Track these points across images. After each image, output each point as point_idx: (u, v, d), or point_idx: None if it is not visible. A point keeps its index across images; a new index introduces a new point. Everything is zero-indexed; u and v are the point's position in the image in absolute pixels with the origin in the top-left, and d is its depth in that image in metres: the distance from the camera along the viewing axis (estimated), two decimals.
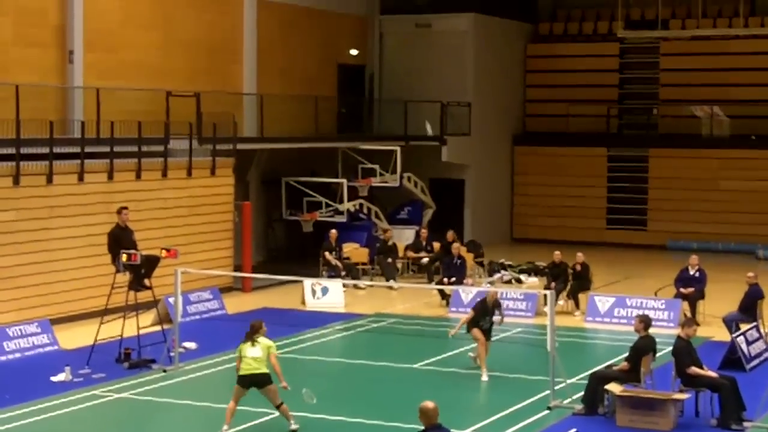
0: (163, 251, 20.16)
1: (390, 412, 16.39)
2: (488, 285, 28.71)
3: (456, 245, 27.99)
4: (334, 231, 30.25)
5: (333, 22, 37.00)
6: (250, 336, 15.50)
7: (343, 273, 29.37)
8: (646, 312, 22.50)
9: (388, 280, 29.43)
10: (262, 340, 15.47)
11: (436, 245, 30.90)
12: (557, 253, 26.41)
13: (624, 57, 41.38)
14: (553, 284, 25.35)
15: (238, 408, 15.39)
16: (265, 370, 15.34)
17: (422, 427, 10.70)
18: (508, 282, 30.68)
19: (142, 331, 19.91)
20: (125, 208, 20.83)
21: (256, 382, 15.38)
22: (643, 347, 16.56)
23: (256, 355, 15.31)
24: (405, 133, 35.92)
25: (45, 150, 23.41)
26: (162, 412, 17.01)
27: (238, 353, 15.50)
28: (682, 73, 40.10)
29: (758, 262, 34.61)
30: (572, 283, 25.85)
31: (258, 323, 15.70)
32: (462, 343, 22.31)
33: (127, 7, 28.77)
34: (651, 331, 16.82)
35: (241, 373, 15.35)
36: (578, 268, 25.93)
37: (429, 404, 10.71)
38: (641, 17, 40.64)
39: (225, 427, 15.13)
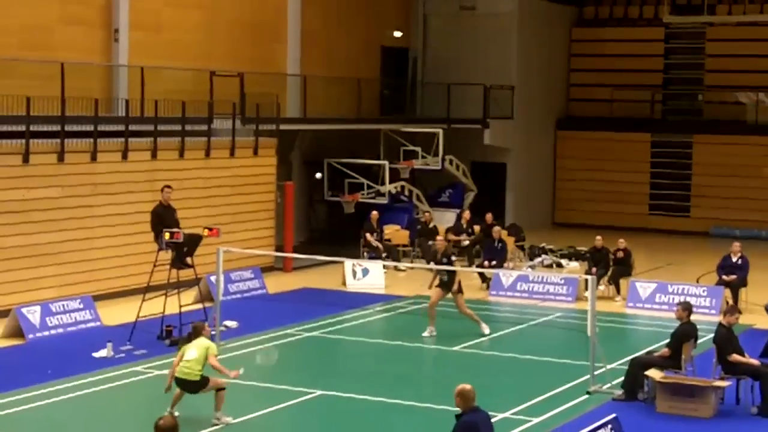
0: (206, 230, 20.26)
1: (428, 394, 16.42)
2: (529, 269, 28.69)
3: (497, 228, 27.94)
4: (375, 212, 30.28)
5: (377, 4, 36.95)
6: (192, 338, 15.01)
7: (384, 254, 29.41)
8: (688, 299, 22.37)
9: (428, 263, 29.39)
10: (202, 342, 14.86)
11: (477, 228, 30.87)
12: (599, 238, 26.29)
13: (669, 42, 41.02)
14: (594, 269, 25.26)
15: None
16: (196, 376, 14.70)
17: (459, 410, 10.69)
18: (549, 266, 30.59)
19: (183, 309, 20.04)
20: (168, 186, 20.93)
21: (187, 388, 14.85)
22: (685, 334, 16.47)
23: (191, 357, 14.72)
24: (447, 116, 35.83)
25: (89, 128, 23.59)
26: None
27: (179, 354, 14.96)
28: (728, 59, 39.71)
29: None
30: (613, 268, 25.74)
31: (200, 324, 15.25)
32: (501, 326, 22.33)
33: None
34: (692, 317, 16.73)
35: (177, 375, 14.78)
36: (620, 254, 25.81)
37: (465, 387, 10.69)
38: (687, 2, 40.28)
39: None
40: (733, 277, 24.08)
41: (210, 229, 20.28)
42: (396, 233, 31.46)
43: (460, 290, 21.06)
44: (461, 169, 35.64)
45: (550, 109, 41.18)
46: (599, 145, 40.69)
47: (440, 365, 18.91)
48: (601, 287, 24.98)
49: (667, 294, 24.33)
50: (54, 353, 19.07)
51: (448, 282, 20.99)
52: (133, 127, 24.72)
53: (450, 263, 21.13)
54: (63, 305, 21.03)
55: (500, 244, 27.38)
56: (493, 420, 10.98)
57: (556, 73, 41.45)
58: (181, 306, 19.97)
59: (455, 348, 20.04)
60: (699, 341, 16.99)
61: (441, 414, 15.01)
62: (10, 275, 21.81)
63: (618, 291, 25.40)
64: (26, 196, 22.21)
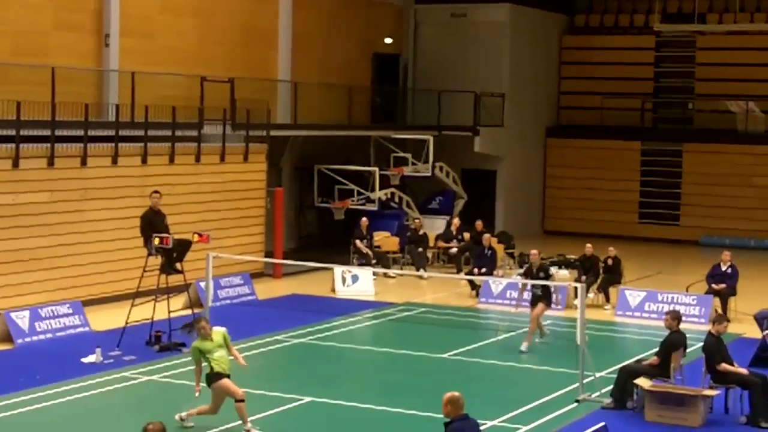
0: (195, 235, 20.25)
1: (417, 402, 16.40)
2: (518, 276, 28.67)
3: (486, 236, 27.97)
4: (365, 219, 30.28)
5: (369, 10, 36.99)
6: (198, 332, 14.94)
7: (374, 261, 29.40)
8: (678, 307, 22.41)
9: (418, 270, 29.43)
10: (217, 333, 14.97)
11: (467, 235, 30.88)
12: (588, 245, 26.31)
13: (660, 50, 41.15)
14: (583, 277, 25.28)
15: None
16: (229, 370, 14.91)
17: (447, 419, 10.68)
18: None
19: (172, 315, 20.01)
20: (157, 191, 20.92)
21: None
22: (674, 342, 16.49)
23: (223, 354, 14.82)
24: (438, 123, 35.88)
25: (80, 133, 23.56)
26: (191, 395, 17.06)
27: (197, 354, 14.81)
28: (718, 67, 39.82)
29: None
30: (603, 276, 25.75)
31: (201, 320, 15.08)
32: (490, 333, 22.34)
33: None
34: (682, 326, 16.74)
35: (217, 370, 14.74)
36: (610, 262, 25.83)
37: (454, 394, 10.69)
38: (678, 10, 40.43)
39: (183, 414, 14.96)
40: (723, 285, 24.11)
41: (200, 235, 20.27)
42: (386, 240, 31.46)
43: (548, 304, 20.97)
44: (451, 176, 35.67)
45: (540, 117, 41.25)
46: (589, 153, 40.76)
47: (429, 373, 18.89)
48: (591, 295, 25.01)
49: (656, 302, 24.35)
50: (43, 358, 19.03)
51: (543, 295, 20.74)
52: (123, 132, 24.68)
53: (547, 277, 21.05)
54: (52, 310, 20.99)
55: (490, 252, 27.39)
56: (481, 428, 10.97)
57: (547, 81, 41.53)
58: (170, 312, 19.94)
59: (444, 355, 20.03)
60: (688, 350, 17.02)
61: (429, 421, 15.00)
62: None
63: (607, 299, 25.42)
64: (16, 201, 22.15)
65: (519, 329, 22.43)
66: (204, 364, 14.76)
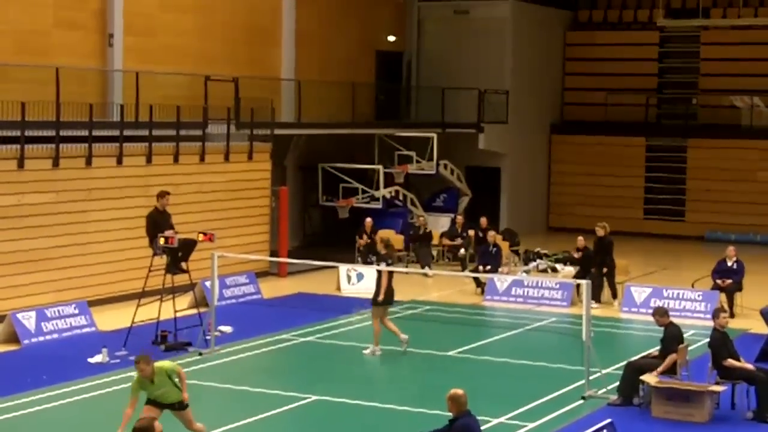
0: (200, 235, 20.24)
1: (423, 400, 16.40)
2: (524, 273, 28.69)
3: (491, 233, 27.93)
4: (369, 219, 30.15)
5: (371, 8, 36.97)
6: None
7: (371, 255, 29.35)
8: (684, 303, 22.41)
9: (423, 267, 29.39)
10: (158, 368, 13.19)
11: (472, 233, 30.85)
12: (580, 238, 25.65)
13: (664, 46, 41.10)
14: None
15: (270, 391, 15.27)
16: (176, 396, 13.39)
17: (451, 415, 10.71)
18: (544, 271, 30.57)
19: (178, 314, 20.03)
20: (168, 193, 20.82)
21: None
22: (677, 335, 16.48)
23: (169, 389, 13.26)
24: (442, 120, 35.84)
25: (84, 133, 23.57)
26: (197, 394, 17.07)
27: (136, 391, 13.30)
28: (723, 62, 39.78)
29: None
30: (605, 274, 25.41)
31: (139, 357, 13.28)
32: (496, 331, 22.34)
33: None
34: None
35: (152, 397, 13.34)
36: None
37: (458, 391, 10.72)
38: (682, 6, 40.35)
39: None
40: (729, 281, 24.06)
41: (205, 234, 20.26)
42: (391, 238, 31.37)
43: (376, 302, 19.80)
44: (456, 174, 35.64)
45: (544, 113, 41.20)
46: (594, 149, 40.71)
47: (435, 370, 18.89)
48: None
49: (662, 298, 24.25)
50: (49, 359, 19.05)
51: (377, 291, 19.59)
52: (127, 132, 24.70)
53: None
54: (58, 310, 21.00)
55: (495, 249, 27.35)
56: (487, 425, 11.02)
57: (551, 77, 41.48)
58: (176, 311, 19.95)
59: (450, 353, 20.02)
60: (695, 345, 17.00)
61: (435, 419, 14.97)
62: (6, 280, 21.77)
63: (614, 296, 25.27)
64: (21, 201, 22.17)
65: (524, 326, 22.43)
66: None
